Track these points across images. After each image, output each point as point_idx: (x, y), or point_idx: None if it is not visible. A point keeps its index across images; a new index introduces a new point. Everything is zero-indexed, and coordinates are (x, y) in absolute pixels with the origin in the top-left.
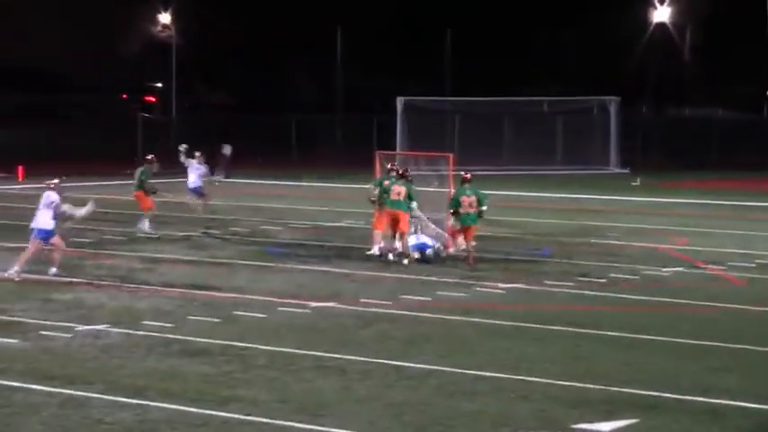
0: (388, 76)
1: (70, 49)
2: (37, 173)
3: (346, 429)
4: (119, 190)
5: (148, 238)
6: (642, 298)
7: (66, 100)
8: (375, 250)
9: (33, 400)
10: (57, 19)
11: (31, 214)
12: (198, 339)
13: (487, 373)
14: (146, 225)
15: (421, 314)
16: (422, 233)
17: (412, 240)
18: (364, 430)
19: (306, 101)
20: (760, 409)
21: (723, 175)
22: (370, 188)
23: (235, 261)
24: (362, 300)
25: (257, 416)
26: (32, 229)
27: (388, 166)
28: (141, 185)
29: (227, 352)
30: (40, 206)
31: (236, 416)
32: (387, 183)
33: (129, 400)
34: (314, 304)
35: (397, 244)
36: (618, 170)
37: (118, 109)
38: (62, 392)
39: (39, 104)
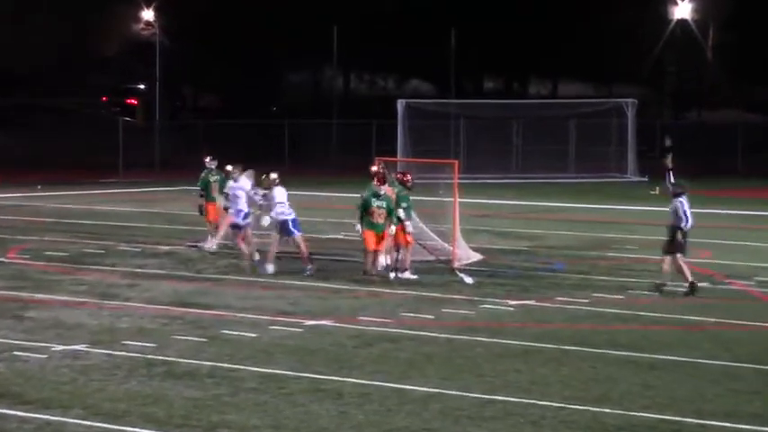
0: (388, 77)
1: (44, 48)
2: (10, 181)
3: None
4: (98, 199)
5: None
6: (662, 316)
7: (40, 103)
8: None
9: (6, 426)
10: (30, 16)
11: (3, 224)
12: (183, 360)
13: (495, 397)
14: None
15: (424, 333)
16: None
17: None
18: None
19: (299, 104)
20: None
21: (749, 182)
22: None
23: (223, 276)
24: (361, 317)
25: None
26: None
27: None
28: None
29: (215, 374)
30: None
31: None
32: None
33: (110, 426)
34: (308, 322)
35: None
36: (635, 178)
37: (97, 113)
38: (37, 417)
39: (11, 108)
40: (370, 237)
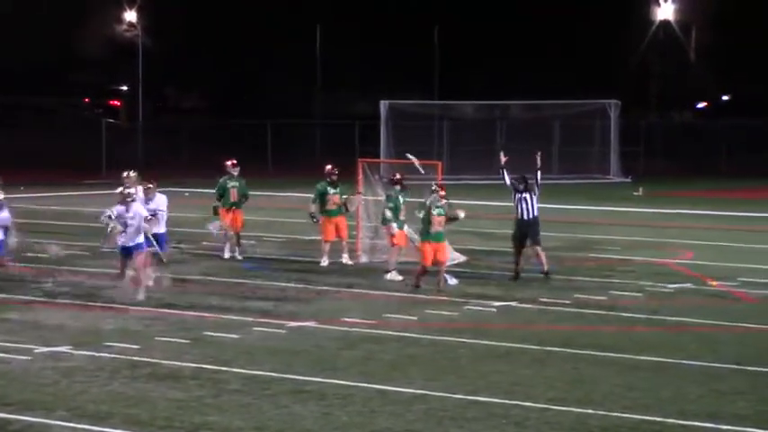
0: (371, 79)
1: (26, 47)
2: None
3: None
4: (81, 201)
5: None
6: (645, 317)
7: (22, 103)
8: (324, 262)
9: None
10: (10, 14)
11: None
12: (167, 362)
13: (479, 398)
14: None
15: (407, 334)
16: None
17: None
18: None
19: (282, 104)
20: None
21: (732, 183)
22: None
23: (206, 277)
24: (344, 319)
25: None
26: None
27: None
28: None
29: (199, 375)
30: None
31: None
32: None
33: (93, 428)
34: (291, 324)
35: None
36: (618, 179)
37: (79, 114)
38: (20, 419)
39: None
40: (431, 249)
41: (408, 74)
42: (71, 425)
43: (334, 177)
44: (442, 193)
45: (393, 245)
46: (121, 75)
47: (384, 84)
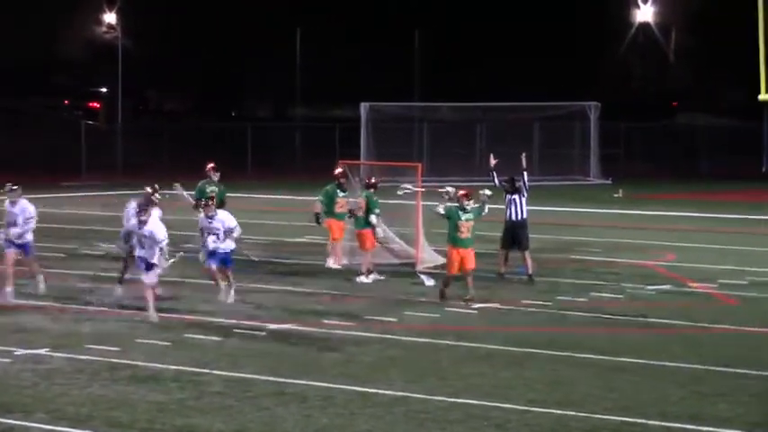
0: (352, 81)
1: (5, 50)
2: None
3: None
4: (59, 202)
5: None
6: (626, 318)
7: (2, 105)
8: (331, 263)
9: None
10: None
11: None
12: (147, 364)
13: (459, 400)
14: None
15: (388, 336)
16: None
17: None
18: None
19: (263, 106)
20: None
21: (712, 186)
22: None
23: (187, 280)
24: (325, 321)
25: None
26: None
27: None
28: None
29: (180, 378)
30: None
31: None
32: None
33: (72, 430)
34: (272, 326)
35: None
36: (599, 180)
37: (58, 116)
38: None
39: None
40: (457, 257)
41: (389, 76)
42: (50, 427)
43: (344, 181)
44: (468, 198)
45: (372, 247)
46: (101, 77)
47: (365, 86)
